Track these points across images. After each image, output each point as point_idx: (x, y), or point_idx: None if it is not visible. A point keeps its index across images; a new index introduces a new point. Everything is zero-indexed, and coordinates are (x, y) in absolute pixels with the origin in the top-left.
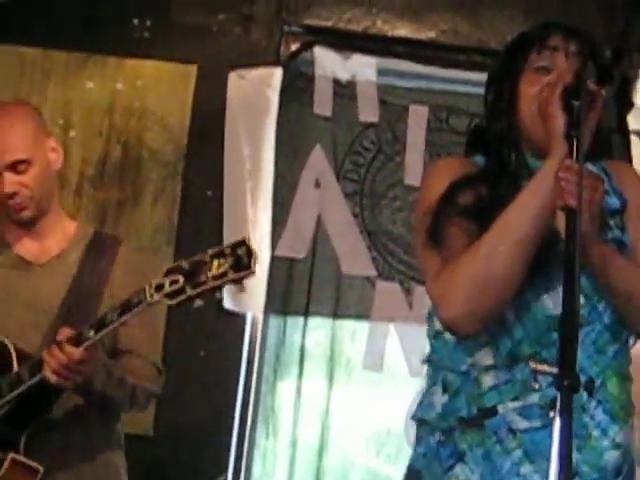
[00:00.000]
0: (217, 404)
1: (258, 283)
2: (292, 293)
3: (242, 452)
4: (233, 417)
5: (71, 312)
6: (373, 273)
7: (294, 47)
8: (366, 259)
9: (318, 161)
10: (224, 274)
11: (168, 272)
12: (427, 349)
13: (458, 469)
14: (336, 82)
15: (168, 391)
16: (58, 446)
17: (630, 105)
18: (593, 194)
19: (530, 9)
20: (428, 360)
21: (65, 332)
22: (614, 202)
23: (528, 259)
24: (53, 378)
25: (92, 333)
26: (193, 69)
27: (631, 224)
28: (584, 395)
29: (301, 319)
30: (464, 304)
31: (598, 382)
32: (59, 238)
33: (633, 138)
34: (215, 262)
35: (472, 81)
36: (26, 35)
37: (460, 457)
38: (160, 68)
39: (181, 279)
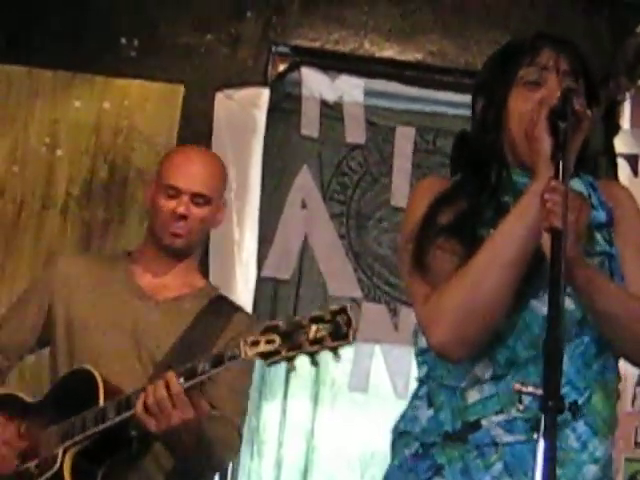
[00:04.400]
0: None
1: (244, 304)
2: (278, 314)
3: (227, 473)
4: None
5: (177, 362)
6: (359, 294)
7: (281, 68)
8: (352, 280)
9: (305, 182)
10: (321, 340)
11: (265, 330)
12: (414, 368)
13: None
14: (323, 103)
15: None
16: None
17: (617, 128)
18: (579, 215)
19: (516, 31)
20: (426, 378)
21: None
22: (600, 215)
23: (516, 282)
24: (148, 421)
25: (182, 380)
26: (180, 89)
27: (620, 242)
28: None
29: None
30: (453, 330)
31: (585, 396)
32: (181, 283)
33: (620, 161)
34: (314, 327)
35: (459, 103)
36: (12, 54)
37: (438, 471)
38: (147, 87)
39: (277, 340)
